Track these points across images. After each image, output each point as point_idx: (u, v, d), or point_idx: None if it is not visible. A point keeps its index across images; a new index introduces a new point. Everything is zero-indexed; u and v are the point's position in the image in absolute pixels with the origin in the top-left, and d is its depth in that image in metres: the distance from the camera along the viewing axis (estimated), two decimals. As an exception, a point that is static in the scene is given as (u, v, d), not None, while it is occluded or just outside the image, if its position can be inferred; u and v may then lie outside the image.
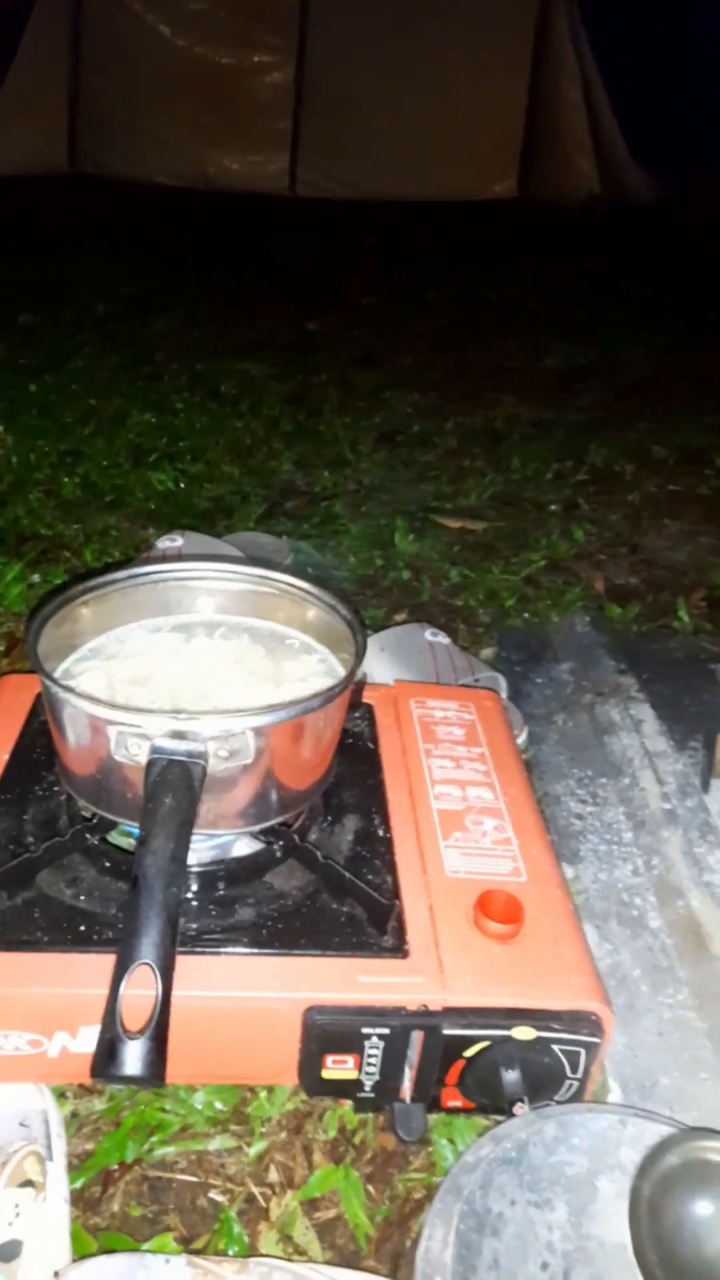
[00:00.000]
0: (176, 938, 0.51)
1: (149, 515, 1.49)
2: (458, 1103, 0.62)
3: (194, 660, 0.73)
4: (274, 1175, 0.60)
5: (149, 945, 0.49)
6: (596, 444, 1.91)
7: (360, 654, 0.67)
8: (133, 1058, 0.47)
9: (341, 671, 0.69)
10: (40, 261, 3.10)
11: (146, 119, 4.73)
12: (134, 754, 0.57)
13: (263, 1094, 0.63)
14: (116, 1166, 0.59)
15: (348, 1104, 0.63)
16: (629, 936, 0.78)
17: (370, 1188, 0.59)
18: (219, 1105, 0.63)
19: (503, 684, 1.06)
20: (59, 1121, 0.59)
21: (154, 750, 0.56)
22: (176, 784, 0.55)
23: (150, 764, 0.56)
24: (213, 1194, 0.58)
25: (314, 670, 0.73)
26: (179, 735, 0.57)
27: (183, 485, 1.62)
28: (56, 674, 0.67)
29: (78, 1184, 0.58)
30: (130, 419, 1.89)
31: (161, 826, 0.53)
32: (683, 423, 2.02)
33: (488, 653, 1.20)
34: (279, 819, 0.66)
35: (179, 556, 1.18)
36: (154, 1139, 0.60)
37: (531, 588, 1.38)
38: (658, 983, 0.74)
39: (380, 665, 1.01)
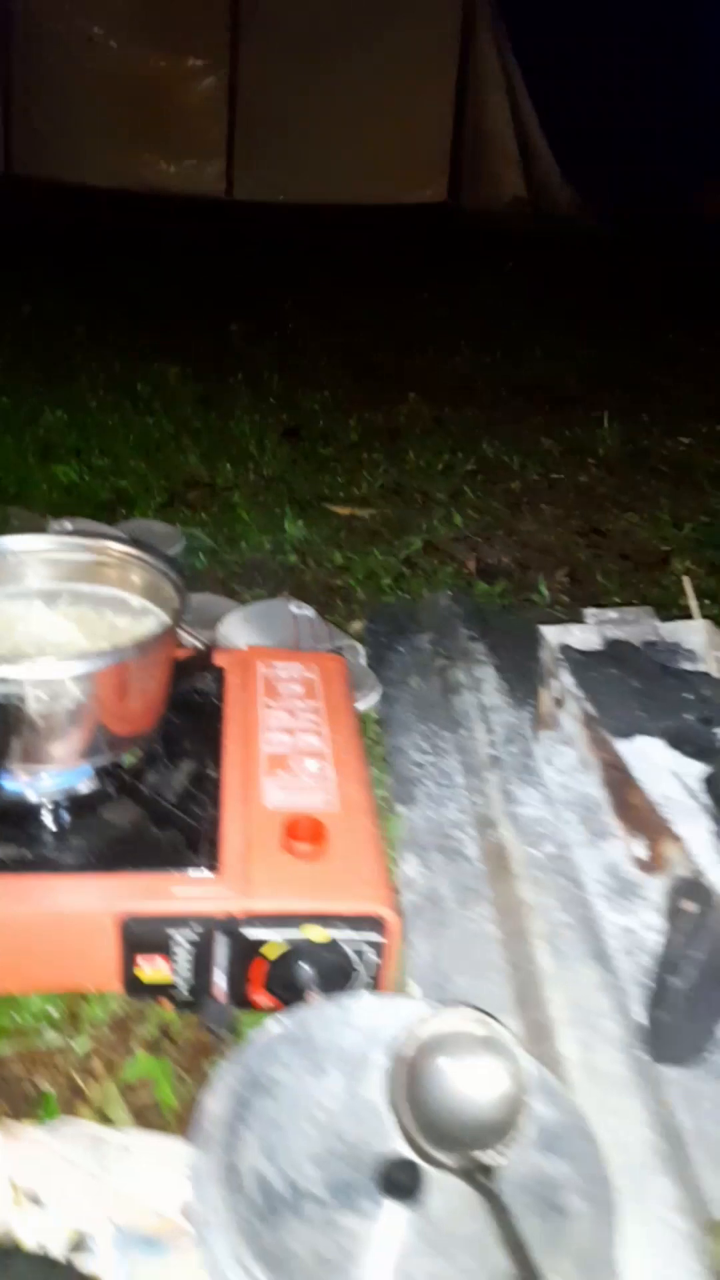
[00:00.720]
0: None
1: (51, 506, 1.56)
2: (265, 1000, 0.70)
3: (40, 623, 0.80)
4: (98, 1066, 0.68)
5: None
6: (490, 438, 2.01)
7: (180, 613, 0.76)
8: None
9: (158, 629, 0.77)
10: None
11: (80, 121, 4.77)
12: (-42, 697, 0.65)
13: (93, 999, 0.71)
14: (-47, 1064, 0.66)
15: (167, 1004, 0.71)
16: (446, 863, 0.87)
17: (185, 1075, 0.68)
18: (52, 1010, 0.70)
19: (361, 651, 1.15)
20: None
21: (-27, 692, 0.64)
22: (-7, 720, 0.63)
23: (-33, 703, 0.64)
24: (39, 1080, 0.66)
25: (150, 629, 0.81)
26: (1, 680, 0.65)
27: (87, 478, 1.69)
28: None
29: None
30: (42, 417, 1.95)
31: (-25, 753, 0.61)
32: (573, 418, 2.13)
33: (357, 626, 1.29)
34: (110, 758, 0.74)
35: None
36: (-10, 1039, 0.68)
37: (409, 568, 1.47)
38: (465, 901, 0.83)
39: (243, 634, 1.09)
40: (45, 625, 0.80)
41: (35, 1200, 0.55)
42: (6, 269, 3.13)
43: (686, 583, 1.12)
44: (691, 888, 0.66)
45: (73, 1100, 0.66)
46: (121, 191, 4.70)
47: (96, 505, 1.59)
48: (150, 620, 0.82)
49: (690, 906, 0.64)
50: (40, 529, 1.39)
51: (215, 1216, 0.53)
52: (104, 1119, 0.64)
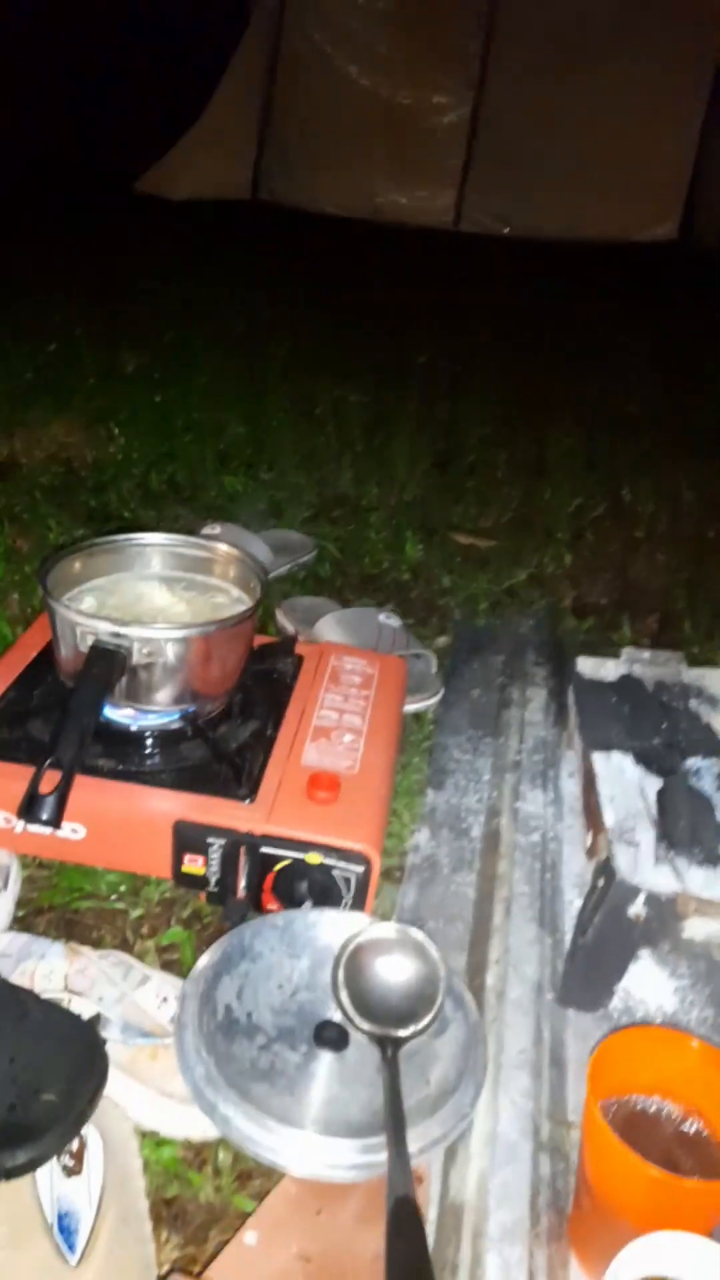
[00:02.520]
0: (81, 746, 0.83)
1: (215, 510, 1.85)
2: (274, 906, 0.92)
3: (161, 600, 1.06)
4: (145, 929, 0.92)
5: (62, 748, 0.82)
6: (633, 483, 2.13)
7: (256, 603, 0.99)
8: (43, 807, 0.80)
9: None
10: (205, 281, 3.54)
11: (326, 153, 5.18)
12: (86, 643, 0.91)
13: (153, 882, 0.95)
14: (47, 906, 0.93)
15: (204, 897, 0.94)
16: (451, 838, 1.06)
17: (201, 946, 0.90)
18: (122, 886, 0.95)
19: (432, 660, 1.34)
20: (17, 873, 0.93)
21: (96, 641, 0.90)
22: (103, 663, 0.89)
23: (91, 649, 0.90)
24: (102, 933, 0.91)
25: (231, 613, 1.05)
26: (115, 635, 0.90)
27: (251, 488, 1.97)
28: (65, 599, 1.01)
29: (20, 914, 0.92)
30: (228, 430, 2.26)
31: (85, 683, 0.87)
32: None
33: (444, 640, 1.48)
34: (193, 707, 0.98)
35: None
36: (73, 896, 0.94)
37: (509, 597, 1.64)
38: (456, 869, 1.02)
39: (333, 632, 1.32)
40: (163, 602, 1.06)
41: (78, 994, 0.79)
42: (232, 288, 3.51)
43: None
44: (603, 867, 0.81)
45: (122, 948, 0.90)
46: (353, 220, 5.07)
47: (252, 514, 1.86)
48: (241, 608, 1.06)
49: (601, 881, 0.80)
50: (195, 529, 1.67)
51: (189, 1021, 0.75)
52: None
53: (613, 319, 3.50)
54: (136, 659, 0.91)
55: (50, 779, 0.81)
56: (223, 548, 1.08)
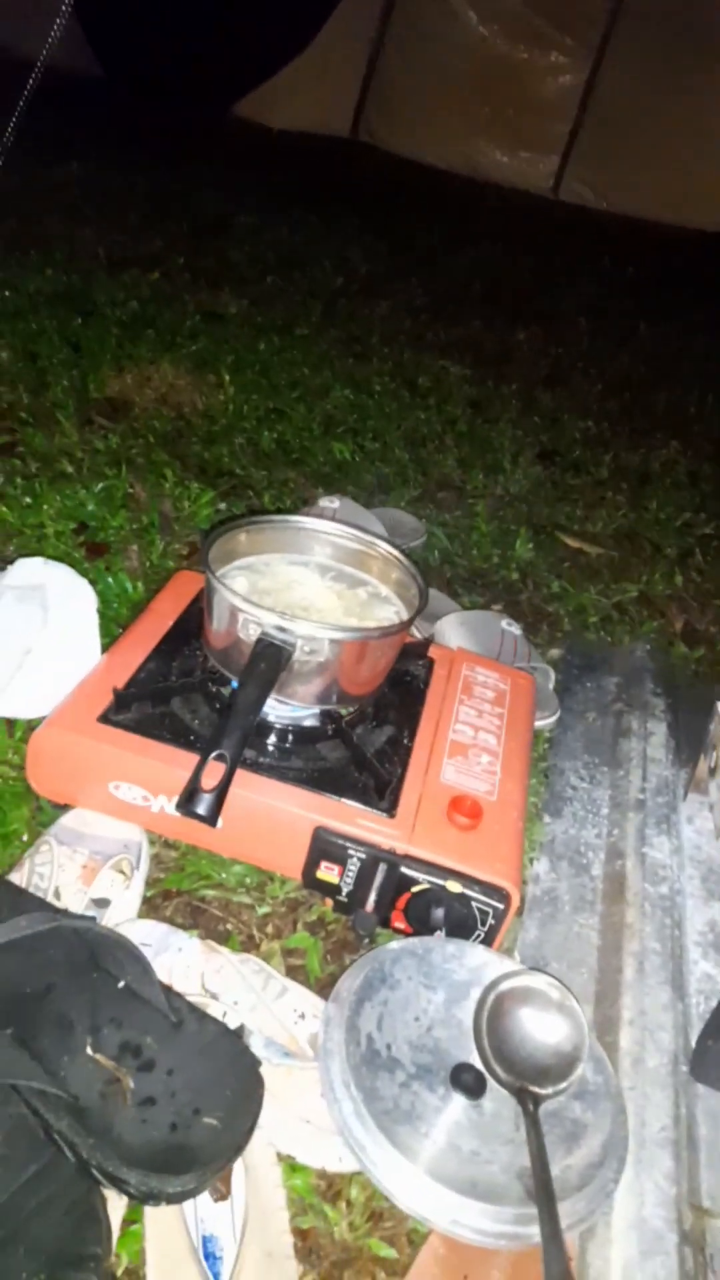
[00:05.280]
0: (245, 744, 0.81)
1: (322, 478, 1.80)
2: (401, 925, 0.90)
3: (311, 589, 1.03)
4: (270, 929, 0.90)
5: (227, 744, 0.79)
6: (739, 506, 2.07)
7: (415, 613, 0.95)
8: (202, 803, 0.77)
9: (399, 620, 0.97)
10: (297, 222, 3.44)
11: (432, 101, 5.01)
12: (250, 634, 0.88)
13: (278, 879, 0.93)
14: (174, 891, 0.90)
15: (330, 903, 0.92)
16: (572, 874, 1.03)
17: (329, 957, 0.88)
18: (248, 879, 0.93)
19: (551, 676, 1.31)
20: (147, 853, 0.91)
21: (262, 634, 0.86)
22: (270, 658, 0.85)
23: (258, 642, 0.86)
24: (228, 926, 0.89)
25: (387, 617, 1.01)
26: (281, 629, 0.87)
27: (358, 459, 1.92)
28: (217, 575, 0.98)
29: (149, 894, 0.90)
30: (332, 392, 2.19)
31: (253, 680, 0.83)
32: None
33: (555, 653, 1.44)
34: (336, 707, 0.95)
35: (333, 516, 1.48)
36: (200, 883, 0.91)
37: (618, 612, 1.60)
38: (578, 908, 0.99)
39: (457, 636, 1.28)
40: (314, 591, 1.02)
41: (214, 997, 0.77)
42: (331, 233, 3.41)
43: None
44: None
45: (247, 946, 0.88)
46: (451, 174, 4.92)
47: (359, 485, 1.82)
48: (391, 609, 1.02)
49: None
50: (312, 499, 1.63)
51: (334, 1049, 0.73)
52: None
53: (711, 322, 3.39)
54: (297, 655, 0.88)
55: (212, 773, 0.78)
56: (383, 546, 1.04)
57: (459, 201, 4.51)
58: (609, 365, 2.79)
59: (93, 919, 0.75)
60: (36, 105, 1.14)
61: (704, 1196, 0.74)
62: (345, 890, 0.89)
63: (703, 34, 4.50)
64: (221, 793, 0.78)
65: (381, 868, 0.87)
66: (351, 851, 0.87)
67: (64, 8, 1.10)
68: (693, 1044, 0.84)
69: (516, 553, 1.70)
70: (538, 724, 1.22)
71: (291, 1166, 0.71)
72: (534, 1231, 0.64)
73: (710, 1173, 0.75)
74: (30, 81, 1.11)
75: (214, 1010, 0.75)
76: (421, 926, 0.88)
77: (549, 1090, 0.74)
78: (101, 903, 0.83)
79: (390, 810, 0.90)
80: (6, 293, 2.21)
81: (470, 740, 1.01)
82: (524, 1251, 0.65)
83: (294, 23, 4.85)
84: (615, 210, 4.78)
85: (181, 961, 0.79)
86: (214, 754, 0.79)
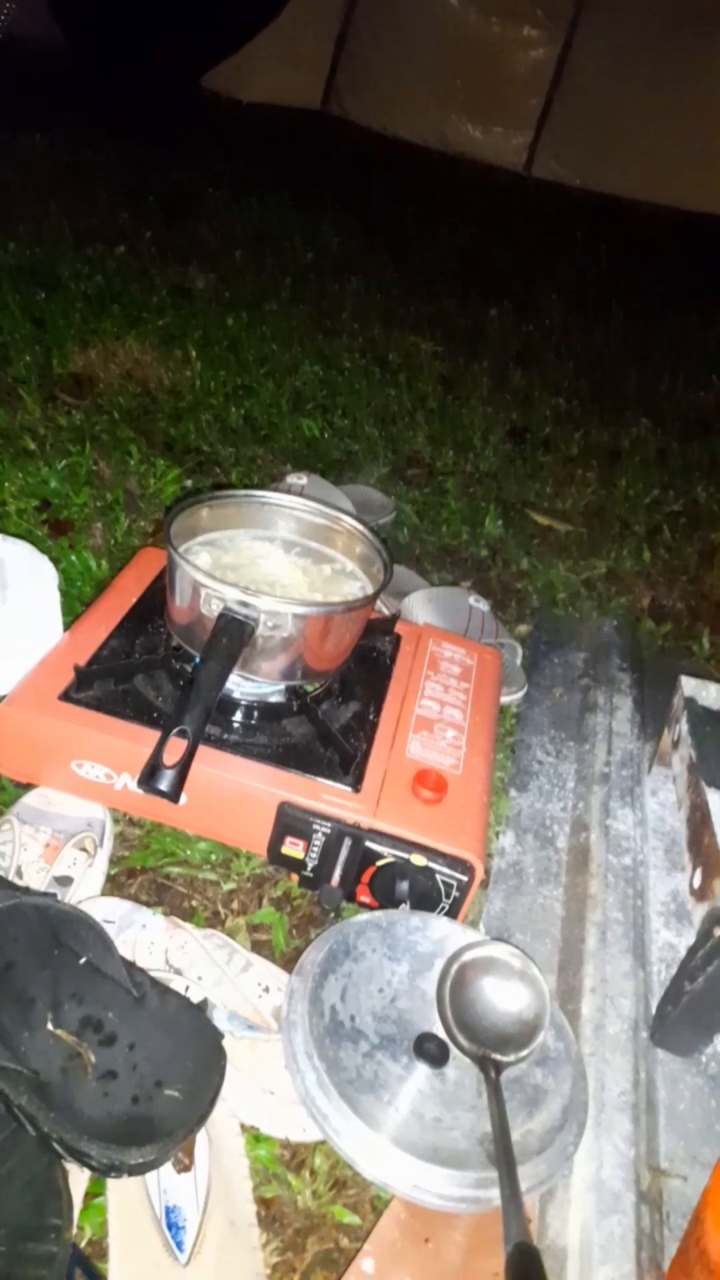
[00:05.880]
0: (207, 720, 0.80)
1: (291, 454, 1.79)
2: (366, 899, 0.90)
3: (275, 564, 1.02)
4: (235, 905, 0.90)
5: (189, 720, 0.79)
6: (709, 483, 2.08)
7: (380, 588, 0.95)
8: (164, 779, 0.77)
9: (364, 595, 0.97)
10: (267, 198, 3.39)
11: (403, 73, 4.95)
12: (213, 610, 0.87)
13: (244, 855, 0.93)
14: (139, 869, 0.90)
15: (295, 878, 0.92)
16: (538, 847, 1.04)
17: (294, 931, 0.89)
18: (213, 856, 0.93)
19: (519, 651, 1.31)
20: (110, 830, 0.90)
21: (224, 609, 0.86)
22: (232, 634, 0.85)
23: (219, 617, 0.86)
24: (193, 903, 0.89)
25: (352, 592, 1.01)
26: (243, 604, 0.86)
27: (326, 435, 1.90)
28: (180, 550, 0.97)
29: (112, 872, 0.89)
30: (301, 369, 2.18)
31: (215, 656, 0.83)
32: None
33: (524, 629, 1.45)
34: (300, 682, 0.95)
35: (301, 492, 1.47)
36: (165, 860, 0.91)
37: (586, 589, 1.61)
38: (543, 880, 1.00)
39: (424, 612, 1.28)
40: (279, 567, 1.02)
41: (178, 972, 0.77)
42: (301, 207, 3.37)
43: None
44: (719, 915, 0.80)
45: (212, 922, 0.88)
46: (423, 149, 4.88)
47: (329, 463, 1.81)
48: (356, 585, 1.02)
49: (717, 931, 0.79)
50: (280, 475, 1.62)
51: (298, 1021, 0.73)
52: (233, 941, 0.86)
53: (684, 299, 3.39)
54: (260, 630, 0.87)
55: (174, 748, 0.78)
56: (348, 521, 1.03)
57: (431, 177, 4.48)
58: (581, 343, 2.78)
59: (53, 896, 0.74)
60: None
61: (662, 1158, 0.75)
62: (310, 865, 0.89)
63: (675, 9, 4.48)
64: (184, 769, 0.78)
65: (346, 842, 0.87)
66: (316, 826, 0.87)
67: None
68: (653, 1011, 0.85)
69: (486, 529, 1.70)
70: (505, 699, 1.22)
71: (256, 1137, 0.71)
72: (494, 1195, 0.65)
73: (669, 1135, 0.77)
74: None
75: (177, 985, 0.75)
76: (387, 900, 0.88)
77: (511, 1058, 0.75)
78: (64, 881, 0.83)
79: (355, 785, 0.90)
80: (-34, 266, 2.18)
81: (436, 715, 1.02)
82: (484, 1214, 0.66)
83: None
84: (588, 187, 4.76)
85: (145, 938, 0.79)
86: (175, 730, 0.79)
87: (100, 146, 3.49)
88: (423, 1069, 0.75)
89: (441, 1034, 0.77)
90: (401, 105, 4.99)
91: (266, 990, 0.78)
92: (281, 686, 0.96)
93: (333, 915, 0.90)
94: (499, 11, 4.81)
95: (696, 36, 4.48)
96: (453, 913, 0.88)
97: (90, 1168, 0.61)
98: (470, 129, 5.01)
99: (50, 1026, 0.67)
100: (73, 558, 1.27)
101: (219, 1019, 0.74)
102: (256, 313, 2.41)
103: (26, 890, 0.78)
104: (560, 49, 4.75)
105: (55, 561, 1.11)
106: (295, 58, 5.01)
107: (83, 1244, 0.63)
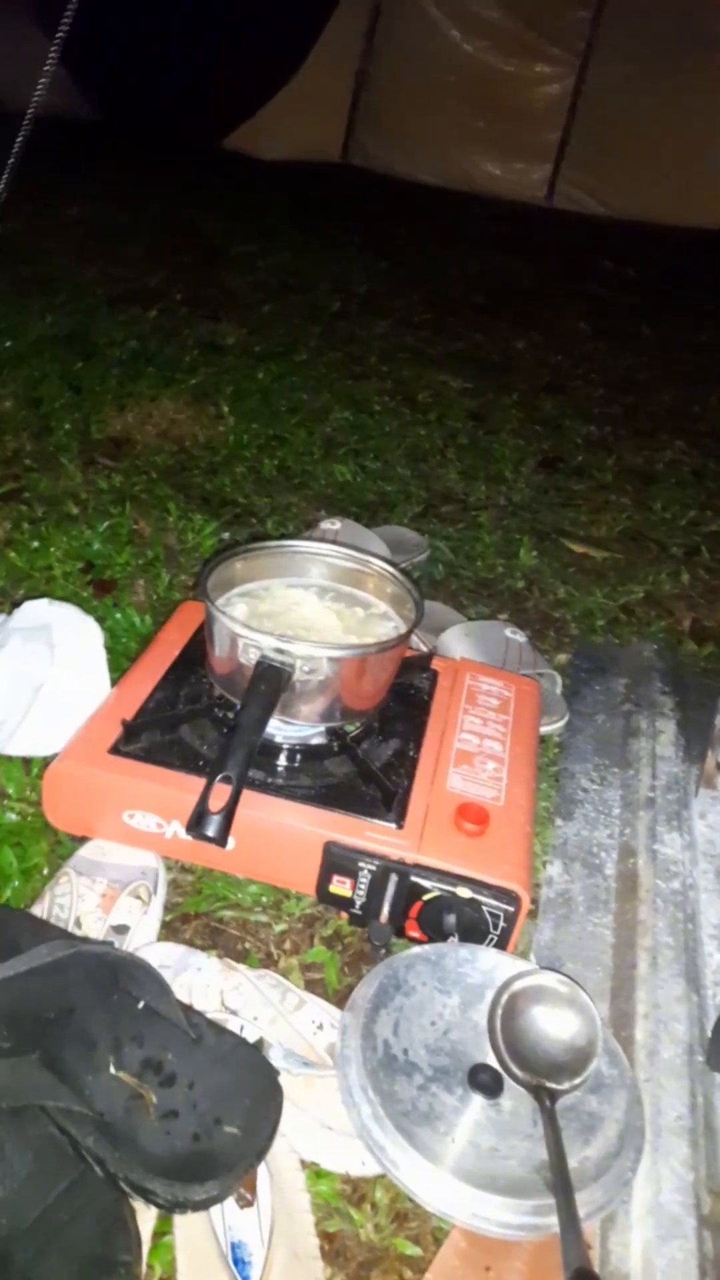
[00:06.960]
0: (249, 765, 0.83)
1: (325, 500, 1.83)
2: (416, 934, 0.92)
3: (310, 610, 1.05)
4: (288, 945, 0.92)
5: (232, 765, 0.82)
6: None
7: (412, 627, 0.98)
8: (210, 825, 0.80)
9: (396, 635, 1.00)
10: (294, 249, 3.49)
11: (422, 119, 5.06)
12: (251, 658, 0.91)
13: (294, 896, 0.96)
14: (192, 914, 0.93)
15: (345, 916, 0.94)
16: (585, 875, 1.05)
17: (346, 969, 0.90)
18: (264, 897, 0.95)
19: (558, 681, 1.32)
20: (164, 878, 0.93)
21: (262, 657, 0.89)
22: (270, 680, 0.88)
23: (257, 664, 0.89)
24: (246, 945, 0.91)
25: (386, 632, 1.04)
26: (279, 651, 0.90)
27: (359, 478, 1.95)
28: (217, 603, 1.01)
29: (167, 918, 0.92)
30: (332, 414, 2.23)
31: (254, 702, 0.86)
32: None
33: (563, 657, 1.46)
34: (340, 724, 0.98)
35: (334, 537, 1.51)
36: (217, 904, 0.94)
37: (625, 614, 1.61)
38: (592, 907, 1.00)
39: (461, 646, 1.30)
40: (314, 612, 1.05)
41: (233, 1013, 0.80)
42: (328, 256, 3.46)
43: None
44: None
45: (266, 963, 0.90)
46: (444, 189, 4.97)
47: (361, 505, 1.84)
48: (389, 625, 1.05)
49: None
50: (312, 520, 1.66)
51: (351, 1056, 0.75)
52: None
53: (714, 318, 3.40)
54: (297, 675, 0.91)
55: (219, 794, 0.81)
56: (378, 564, 1.07)
57: (454, 215, 4.56)
58: (611, 368, 2.80)
59: (110, 944, 0.77)
60: (38, 152, 1.19)
61: (724, 1183, 0.74)
62: (358, 902, 0.91)
63: (685, 34, 4.53)
64: (229, 814, 0.81)
65: (392, 878, 0.89)
66: (362, 864, 0.89)
67: (50, 56, 1.15)
68: (708, 1034, 0.85)
69: (521, 561, 1.72)
70: (545, 729, 1.23)
71: (316, 1173, 0.73)
72: (553, 1222, 0.66)
73: (730, 1160, 0.76)
74: (22, 129, 1.16)
75: (233, 1026, 0.78)
76: (435, 933, 0.90)
77: (565, 1085, 0.76)
78: (121, 929, 0.86)
79: (398, 821, 0.92)
80: (8, 342, 2.28)
81: (475, 748, 1.03)
82: (543, 1241, 0.66)
83: (281, 51, 4.92)
84: (612, 214, 4.81)
85: (200, 980, 0.81)
86: (220, 776, 0.82)
87: (134, 210, 3.63)
88: (478, 1099, 0.76)
89: (495, 1064, 0.78)
90: (421, 149, 5.09)
91: (321, 1027, 0.80)
92: (322, 728, 0.98)
93: (383, 951, 0.92)
94: (512, 50, 4.91)
95: (707, 56, 4.53)
96: (501, 943, 0.89)
97: (156, 1205, 0.64)
98: (490, 167, 5.09)
99: (113, 1069, 0.69)
100: (117, 615, 1.32)
101: (275, 1057, 0.76)
102: (286, 363, 2.48)
103: (85, 939, 0.81)
104: (574, 81, 4.83)
105: (100, 620, 1.16)
106: (313, 112, 5.14)
107: (153, 1281, 0.65)
